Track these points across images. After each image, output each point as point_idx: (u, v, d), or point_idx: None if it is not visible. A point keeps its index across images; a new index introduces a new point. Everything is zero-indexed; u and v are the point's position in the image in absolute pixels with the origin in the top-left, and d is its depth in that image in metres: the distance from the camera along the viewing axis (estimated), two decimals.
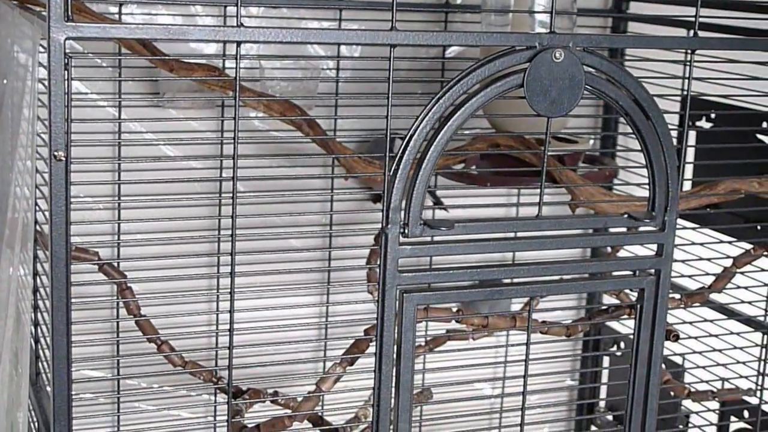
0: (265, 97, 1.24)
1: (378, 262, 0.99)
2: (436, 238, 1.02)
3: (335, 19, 1.53)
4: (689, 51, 1.12)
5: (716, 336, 1.42)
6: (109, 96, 1.48)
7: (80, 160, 0.95)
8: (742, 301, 1.41)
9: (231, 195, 0.98)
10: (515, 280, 1.07)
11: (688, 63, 1.14)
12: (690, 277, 1.45)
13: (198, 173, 1.52)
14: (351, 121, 1.55)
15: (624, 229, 1.13)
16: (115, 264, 1.23)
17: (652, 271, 1.08)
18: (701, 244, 1.42)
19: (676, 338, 1.24)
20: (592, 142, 1.66)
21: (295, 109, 1.27)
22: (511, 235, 1.06)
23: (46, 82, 0.86)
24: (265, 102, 1.25)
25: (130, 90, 1.48)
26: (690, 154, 1.54)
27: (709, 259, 1.38)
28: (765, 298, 1.41)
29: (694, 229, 1.43)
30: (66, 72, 0.87)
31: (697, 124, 1.55)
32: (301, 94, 1.47)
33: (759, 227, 1.44)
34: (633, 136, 1.04)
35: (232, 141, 0.96)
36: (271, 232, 1.40)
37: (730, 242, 1.42)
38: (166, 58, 1.16)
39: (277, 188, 1.49)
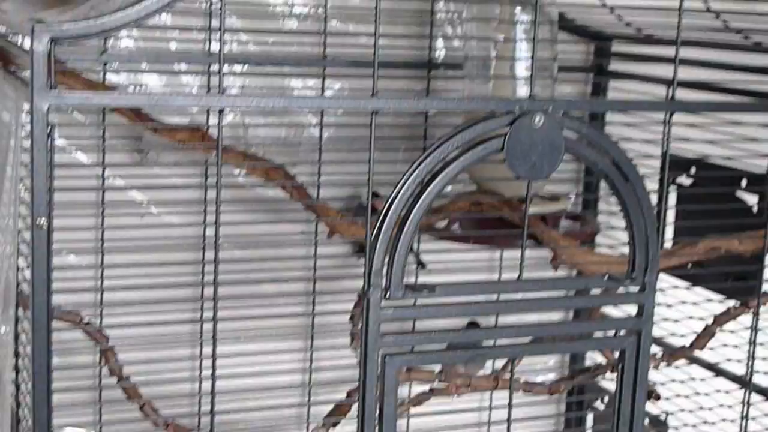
0: (248, 160, 1.25)
1: (361, 323, 0.99)
2: (418, 302, 1.02)
3: (319, 75, 1.54)
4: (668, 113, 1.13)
5: (700, 393, 1.42)
6: (92, 151, 1.48)
7: (63, 216, 0.95)
8: (728, 359, 1.41)
9: (214, 255, 0.99)
10: (497, 342, 1.07)
11: (667, 123, 1.16)
12: (672, 334, 1.46)
13: (180, 230, 1.52)
14: (334, 178, 1.55)
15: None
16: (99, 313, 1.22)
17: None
18: (683, 302, 1.44)
19: (657, 398, 1.24)
20: (572, 197, 1.67)
21: (278, 170, 1.28)
22: (494, 297, 1.07)
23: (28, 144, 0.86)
24: (249, 163, 1.26)
25: (113, 145, 1.48)
26: (671, 209, 1.55)
27: (690, 317, 1.39)
28: (748, 355, 1.42)
29: (687, 288, 1.44)
30: (49, 140, 0.87)
31: (678, 180, 1.56)
32: (284, 157, 1.48)
33: (739, 284, 1.45)
34: None
35: (216, 199, 0.97)
36: (254, 293, 1.41)
37: (718, 300, 1.43)
38: (150, 122, 1.17)
39: (261, 241, 1.51)
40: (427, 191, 1.02)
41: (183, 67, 1.50)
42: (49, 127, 0.87)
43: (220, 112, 0.94)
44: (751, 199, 1.45)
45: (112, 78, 1.45)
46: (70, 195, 1.34)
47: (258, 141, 1.51)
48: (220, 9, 0.95)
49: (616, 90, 1.69)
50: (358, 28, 1.57)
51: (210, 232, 1.46)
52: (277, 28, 1.54)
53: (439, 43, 1.64)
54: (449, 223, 1.45)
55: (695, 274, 1.48)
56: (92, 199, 1.47)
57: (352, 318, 1.39)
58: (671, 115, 1.13)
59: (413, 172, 1.01)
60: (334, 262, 1.64)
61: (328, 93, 1.53)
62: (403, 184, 1.01)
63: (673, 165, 1.47)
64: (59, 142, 1.44)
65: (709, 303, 1.44)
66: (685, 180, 1.55)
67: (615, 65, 1.69)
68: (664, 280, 1.47)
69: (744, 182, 1.44)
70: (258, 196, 1.55)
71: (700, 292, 1.48)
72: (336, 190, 1.58)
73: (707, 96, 1.38)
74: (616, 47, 1.68)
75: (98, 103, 0.88)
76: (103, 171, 1.45)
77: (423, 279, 1.60)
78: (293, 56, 1.54)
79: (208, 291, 1.43)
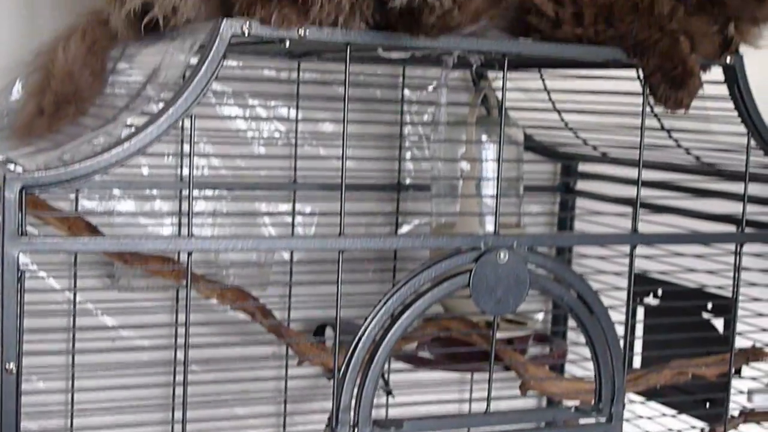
0: (218, 288, 1.26)
1: None
2: None
3: (289, 200, 1.56)
4: (631, 246, 1.16)
5: None
6: (63, 276, 1.49)
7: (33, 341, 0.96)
8: None
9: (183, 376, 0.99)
10: None
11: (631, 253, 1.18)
12: None
13: (151, 353, 1.52)
14: (304, 301, 1.57)
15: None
16: None
17: None
18: (650, 417, 1.45)
19: None
20: (540, 317, 1.68)
21: (248, 297, 1.29)
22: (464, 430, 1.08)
23: None
24: (219, 291, 1.27)
25: (84, 269, 1.49)
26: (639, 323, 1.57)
27: None
28: None
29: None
30: (19, 285, 0.89)
31: (645, 300, 1.58)
32: (255, 280, 1.49)
33: (707, 405, 1.46)
34: None
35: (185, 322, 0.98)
36: (225, 415, 1.40)
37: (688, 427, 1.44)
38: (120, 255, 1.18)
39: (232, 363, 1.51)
40: (395, 327, 1.04)
41: (155, 192, 1.51)
42: (20, 273, 0.89)
43: (189, 254, 0.96)
44: (719, 322, 1.47)
45: (84, 202, 1.46)
46: (41, 320, 1.35)
47: (229, 264, 1.52)
48: (191, 137, 0.97)
49: (583, 209, 1.72)
50: (329, 152, 1.59)
51: (180, 354, 1.46)
52: (249, 152, 1.57)
53: (408, 165, 1.66)
54: (418, 346, 1.46)
55: (662, 394, 1.49)
56: (63, 323, 1.47)
57: None
58: (634, 247, 1.16)
59: (381, 307, 1.03)
60: (305, 382, 1.64)
61: (298, 219, 1.55)
62: (371, 321, 1.03)
63: (642, 282, 1.50)
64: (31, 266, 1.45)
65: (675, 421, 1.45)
66: (652, 300, 1.57)
67: (582, 184, 1.72)
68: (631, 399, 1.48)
69: (710, 305, 1.46)
70: (230, 318, 1.55)
71: (660, 410, 1.49)
72: (306, 312, 1.59)
73: (672, 219, 1.41)
74: (582, 167, 1.71)
75: (69, 248, 0.90)
76: (75, 296, 1.46)
77: (392, 402, 1.60)
78: (264, 181, 1.56)
79: (179, 413, 1.43)
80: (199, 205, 1.52)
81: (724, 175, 1.36)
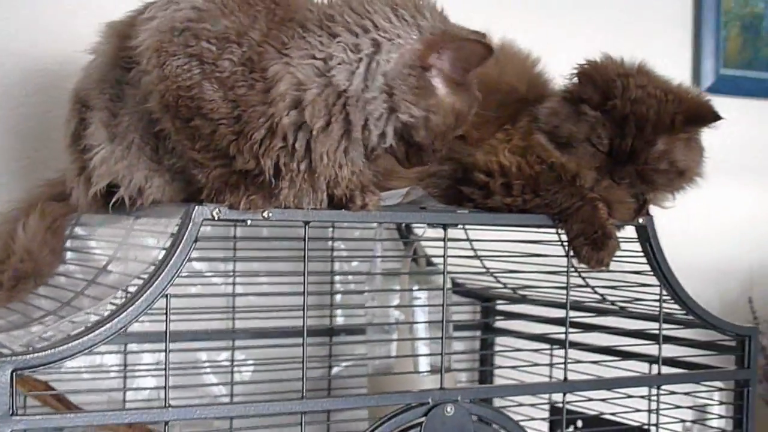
0: None
1: None
2: None
3: (229, 348, 1.63)
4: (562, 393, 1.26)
5: None
6: None
7: None
8: None
9: None
10: None
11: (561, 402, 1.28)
12: None
13: None
14: None
15: None
16: None
17: None
18: None
19: None
20: None
21: None
22: None
23: None
24: None
25: None
26: None
27: None
28: None
29: None
30: None
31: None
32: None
33: None
34: None
35: None
36: None
37: None
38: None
39: None
40: None
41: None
42: None
43: (166, 423, 1.03)
44: None
45: None
46: None
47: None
48: (166, 315, 1.04)
49: (506, 346, 1.81)
50: (266, 301, 1.66)
51: None
52: (189, 305, 1.63)
53: (339, 311, 1.75)
54: None
55: None
56: None
57: None
58: (565, 394, 1.26)
59: None
60: None
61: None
62: None
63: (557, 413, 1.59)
64: None
65: None
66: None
67: (502, 323, 1.82)
68: None
69: None
70: None
71: None
72: None
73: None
74: (502, 306, 1.81)
75: (59, 424, 0.96)
76: None
77: None
78: (203, 331, 1.63)
79: None
80: (149, 358, 1.58)
81: (636, 317, 1.47)
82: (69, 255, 1.31)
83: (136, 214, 1.18)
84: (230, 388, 1.67)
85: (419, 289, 1.54)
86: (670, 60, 1.90)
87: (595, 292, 1.44)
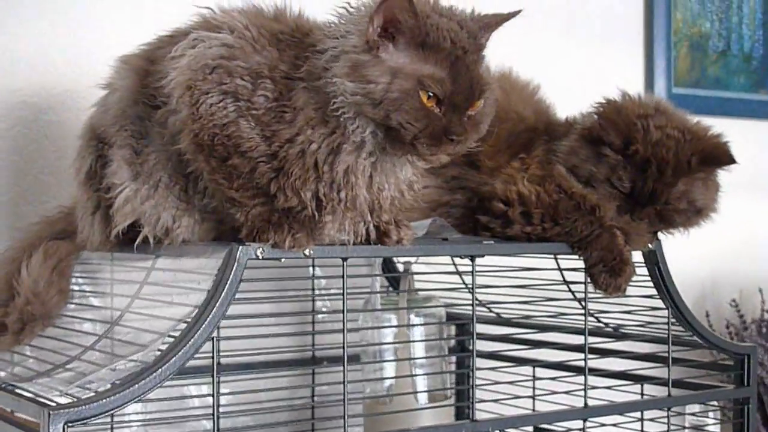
0: None
1: None
2: None
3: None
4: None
5: None
6: None
7: None
8: None
9: None
10: None
11: None
12: None
13: None
14: None
15: None
16: None
17: None
18: None
19: None
20: None
21: None
22: None
23: None
24: None
25: None
26: None
27: None
28: None
29: None
30: None
31: None
32: None
33: None
34: None
35: None
36: None
37: None
38: None
39: None
40: None
41: None
42: None
43: None
44: None
45: None
46: None
47: None
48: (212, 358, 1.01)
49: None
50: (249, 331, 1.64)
51: None
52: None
53: (324, 338, 1.73)
54: None
55: None
56: None
57: None
58: (585, 420, 1.27)
59: None
60: None
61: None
62: None
63: None
64: None
65: None
66: None
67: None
68: None
69: None
70: None
71: None
72: None
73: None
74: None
75: None
76: None
77: None
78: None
79: None
80: None
81: (633, 339, 1.49)
82: (77, 295, 1.27)
83: (156, 254, 1.15)
84: None
85: (423, 324, 1.53)
86: (623, 80, 1.94)
87: (599, 321, 1.45)
